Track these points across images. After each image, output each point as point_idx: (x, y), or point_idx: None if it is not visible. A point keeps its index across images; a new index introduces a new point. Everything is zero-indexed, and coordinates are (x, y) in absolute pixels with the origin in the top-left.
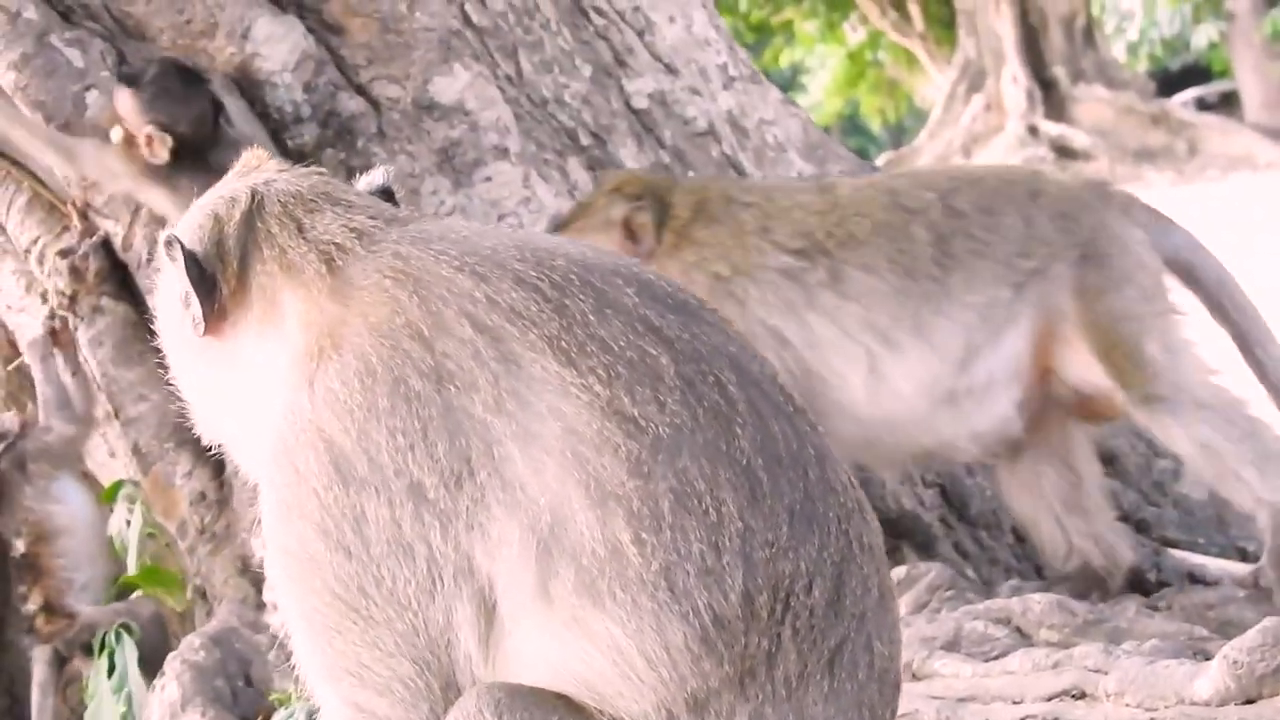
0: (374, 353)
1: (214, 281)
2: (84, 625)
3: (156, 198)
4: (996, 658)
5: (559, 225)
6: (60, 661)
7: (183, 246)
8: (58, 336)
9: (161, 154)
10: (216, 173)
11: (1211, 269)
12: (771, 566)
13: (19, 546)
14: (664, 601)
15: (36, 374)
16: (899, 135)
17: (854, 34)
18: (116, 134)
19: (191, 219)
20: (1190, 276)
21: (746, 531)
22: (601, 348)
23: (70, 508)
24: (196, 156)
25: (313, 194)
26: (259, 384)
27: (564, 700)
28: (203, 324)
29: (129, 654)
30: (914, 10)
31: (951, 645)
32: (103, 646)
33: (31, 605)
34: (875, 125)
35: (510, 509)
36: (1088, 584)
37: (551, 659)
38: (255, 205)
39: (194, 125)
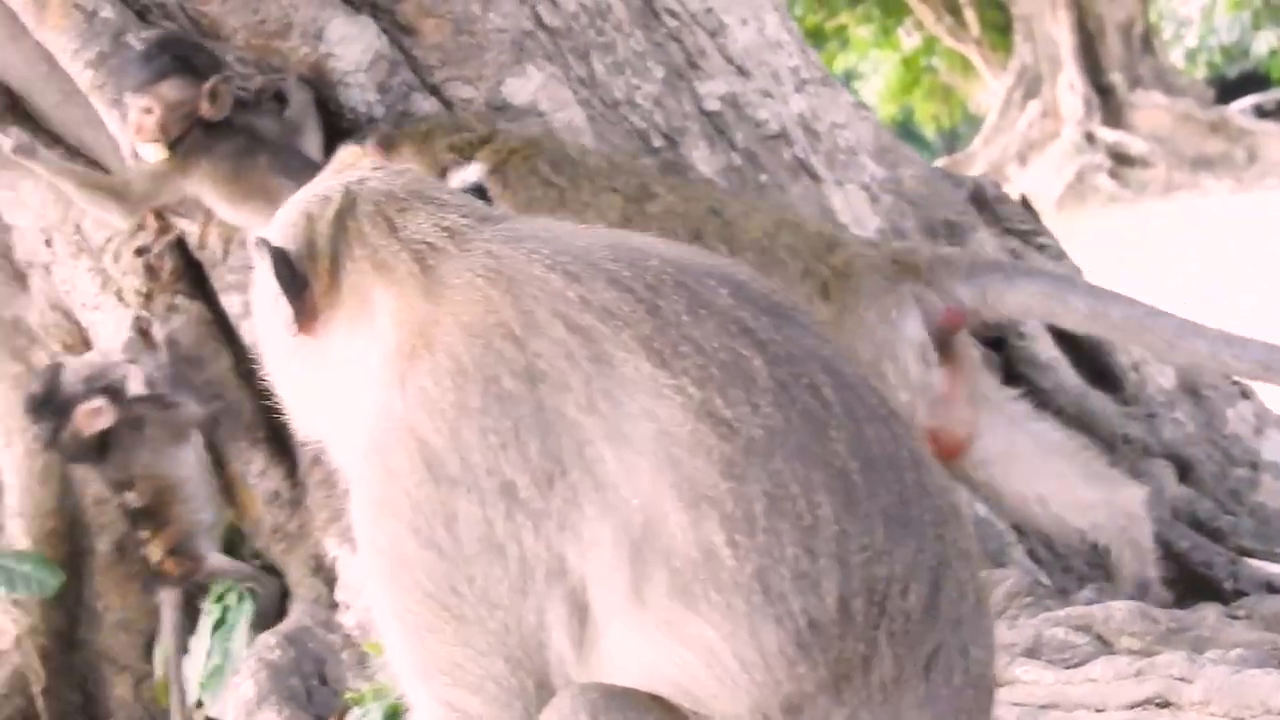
0: (466, 352)
1: (305, 281)
2: (210, 571)
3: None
4: (1077, 665)
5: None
6: (190, 603)
7: (270, 246)
8: (147, 337)
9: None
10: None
11: (1075, 304)
12: (867, 570)
13: (131, 500)
14: (758, 604)
15: (146, 363)
16: (953, 142)
17: (908, 39)
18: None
19: (284, 217)
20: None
21: (841, 535)
22: (695, 349)
23: (188, 457)
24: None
25: (405, 192)
26: (351, 382)
27: (658, 702)
28: (294, 323)
29: (244, 615)
30: (969, 16)
31: (1031, 652)
32: (220, 597)
33: (156, 552)
34: (929, 132)
35: (603, 510)
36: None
37: (645, 661)
38: (348, 204)
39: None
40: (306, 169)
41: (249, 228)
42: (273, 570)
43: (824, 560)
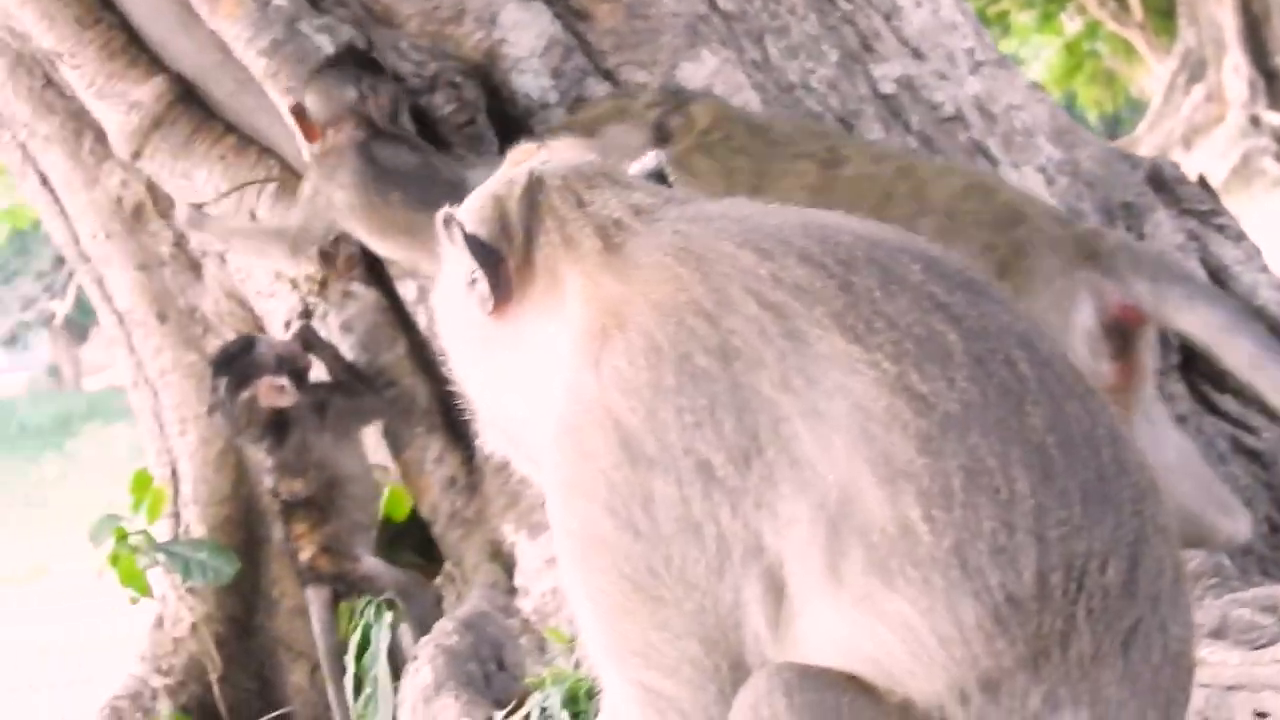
0: (659, 330)
1: (500, 257)
2: (364, 575)
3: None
4: (1263, 646)
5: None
6: (337, 602)
7: (461, 226)
8: (311, 334)
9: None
10: None
11: (1241, 347)
12: (1065, 545)
13: (296, 490)
14: (956, 580)
15: (320, 352)
16: (1116, 127)
17: (1071, 24)
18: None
19: (471, 202)
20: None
21: (1039, 510)
22: (888, 324)
23: (360, 453)
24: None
25: (592, 171)
26: (541, 364)
27: (854, 682)
28: (490, 301)
29: (384, 635)
30: (1133, 0)
31: (1218, 633)
32: (360, 612)
33: (309, 549)
34: (1092, 117)
35: (799, 487)
36: None
37: (841, 638)
38: (535, 183)
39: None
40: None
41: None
42: (425, 571)
43: (1021, 535)
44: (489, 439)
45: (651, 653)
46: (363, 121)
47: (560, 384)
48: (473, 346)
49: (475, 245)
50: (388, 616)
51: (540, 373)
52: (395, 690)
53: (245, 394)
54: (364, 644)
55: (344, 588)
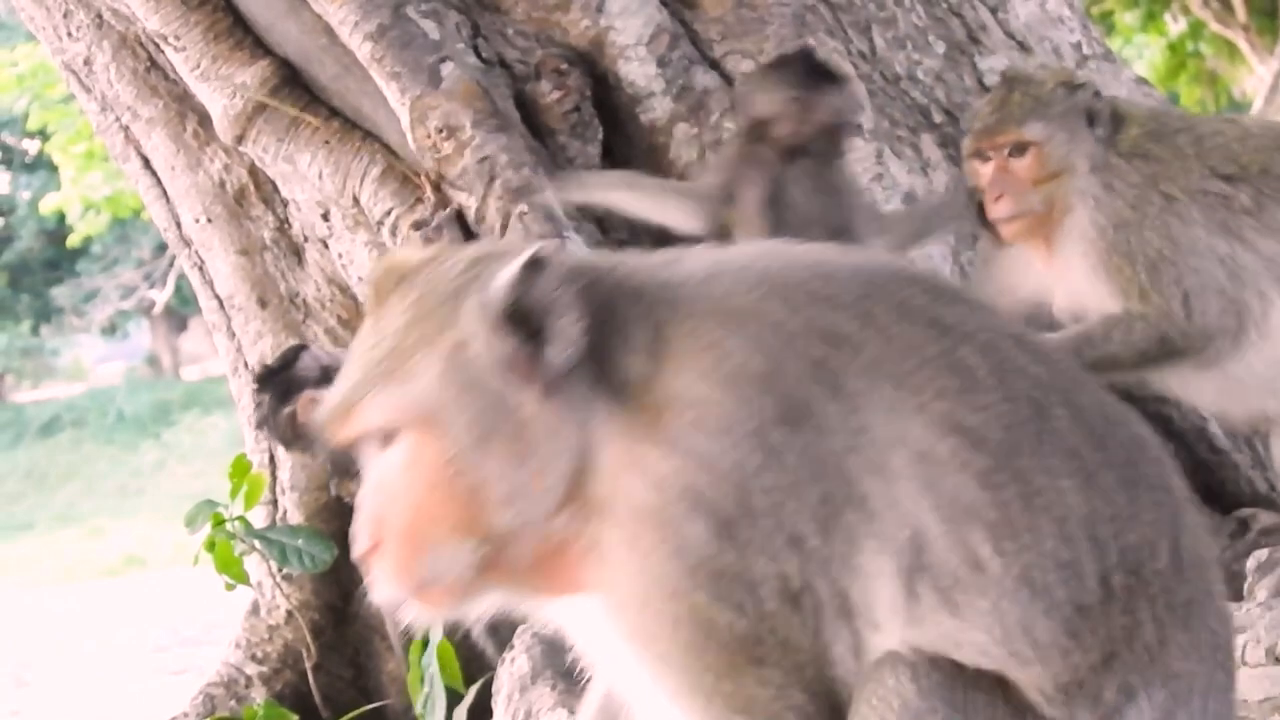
0: (722, 403)
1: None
2: None
3: None
4: None
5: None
6: None
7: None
8: None
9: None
10: None
11: None
12: (1120, 541)
13: (355, 489)
14: (1026, 602)
15: None
16: None
17: (1174, 24)
18: None
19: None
20: None
21: (1091, 514)
22: (920, 360)
23: None
24: None
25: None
26: (592, 446)
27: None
28: (561, 368)
29: (437, 630)
30: (1237, 1)
31: None
32: None
33: None
34: None
35: (878, 542)
36: None
37: None
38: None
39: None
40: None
41: None
42: None
43: (1080, 544)
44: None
45: (754, 706)
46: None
47: (611, 462)
48: (493, 424)
49: (565, 304)
50: None
51: (574, 451)
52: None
53: (287, 409)
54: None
55: None
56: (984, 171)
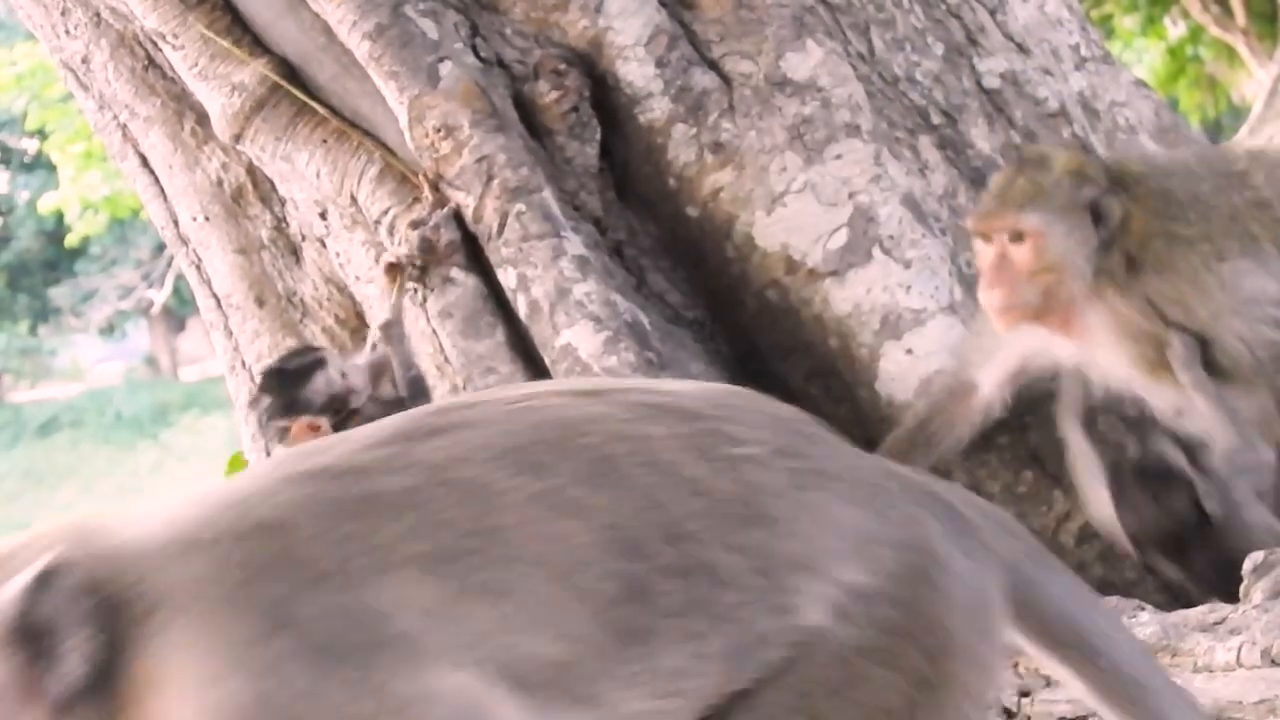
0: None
1: None
2: None
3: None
4: None
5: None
6: None
7: None
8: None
9: None
10: None
11: None
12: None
13: None
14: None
15: (393, 356)
16: (1217, 132)
17: (1174, 29)
18: None
19: None
20: None
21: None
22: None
23: None
24: None
25: None
26: None
27: None
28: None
29: None
30: (1236, 5)
31: None
32: None
33: None
34: (1193, 122)
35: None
36: None
37: None
38: None
39: None
40: None
41: None
42: None
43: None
44: None
45: None
46: None
47: None
48: None
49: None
50: None
51: None
52: None
53: (281, 423)
54: None
55: None
56: (984, 253)
